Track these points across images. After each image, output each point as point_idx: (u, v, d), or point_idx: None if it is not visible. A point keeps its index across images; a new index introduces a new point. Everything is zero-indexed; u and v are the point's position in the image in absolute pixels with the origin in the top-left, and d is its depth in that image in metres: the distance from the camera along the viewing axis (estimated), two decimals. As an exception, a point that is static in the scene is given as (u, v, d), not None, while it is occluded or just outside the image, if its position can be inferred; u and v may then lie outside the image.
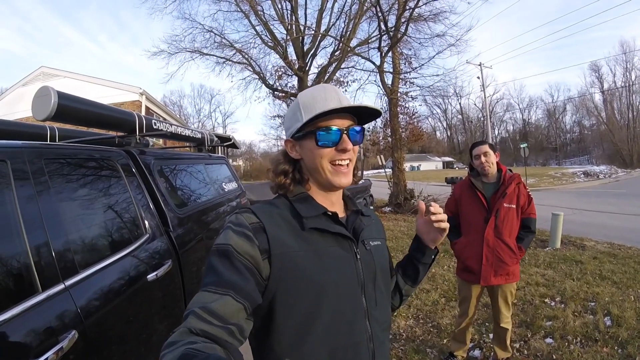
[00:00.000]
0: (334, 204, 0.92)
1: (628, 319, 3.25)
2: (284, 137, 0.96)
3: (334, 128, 0.84)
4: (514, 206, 2.49)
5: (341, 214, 0.94)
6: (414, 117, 13.66)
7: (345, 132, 0.85)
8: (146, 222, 2.12)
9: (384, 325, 0.91)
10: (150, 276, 1.88)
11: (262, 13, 13.66)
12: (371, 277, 0.89)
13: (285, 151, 0.94)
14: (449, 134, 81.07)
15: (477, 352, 2.94)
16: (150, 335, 1.83)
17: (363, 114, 0.89)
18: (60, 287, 1.30)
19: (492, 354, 2.82)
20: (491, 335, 3.03)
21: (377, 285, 0.90)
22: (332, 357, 0.78)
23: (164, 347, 0.61)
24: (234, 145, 5.00)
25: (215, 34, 14.03)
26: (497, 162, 2.56)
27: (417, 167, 60.36)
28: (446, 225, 0.96)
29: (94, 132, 3.40)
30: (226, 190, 3.95)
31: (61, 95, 1.84)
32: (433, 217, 0.95)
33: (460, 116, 76.54)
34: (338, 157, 0.85)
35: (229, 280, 0.72)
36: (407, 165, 15.20)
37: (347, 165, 0.87)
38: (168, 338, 0.63)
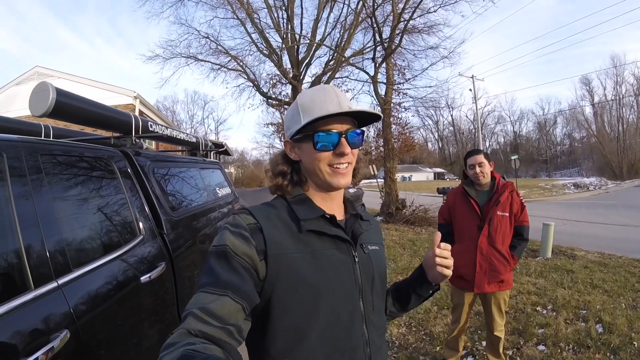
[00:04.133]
0: (333, 206, 0.92)
1: (620, 326, 3.28)
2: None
3: (333, 132, 0.84)
4: (507, 214, 2.49)
5: (340, 217, 0.93)
6: (406, 127, 13.80)
7: (343, 135, 0.84)
8: (140, 224, 2.09)
9: (381, 330, 0.90)
10: (144, 278, 1.85)
11: (258, 21, 13.76)
12: (369, 282, 0.88)
13: (285, 152, 0.93)
14: (440, 145, 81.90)
15: (470, 360, 2.94)
16: (141, 337, 1.79)
17: (362, 117, 0.89)
18: (53, 285, 1.27)
19: (485, 361, 2.82)
20: (484, 343, 3.03)
21: (374, 290, 0.89)
22: None
23: (162, 348, 0.61)
24: (227, 152, 4.97)
25: (211, 40, 14.10)
26: (491, 171, 2.58)
27: (409, 177, 60.71)
28: (448, 273, 0.89)
29: (87, 132, 3.38)
30: (219, 195, 3.93)
31: (59, 92, 1.82)
32: (437, 260, 0.88)
33: (451, 128, 77.53)
34: (336, 161, 0.85)
35: (226, 280, 0.72)
36: (398, 176, 15.27)
37: (346, 167, 0.86)
38: (167, 339, 0.63)
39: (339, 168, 0.85)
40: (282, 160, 0.93)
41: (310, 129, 0.84)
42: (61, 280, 1.31)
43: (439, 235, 0.93)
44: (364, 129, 0.94)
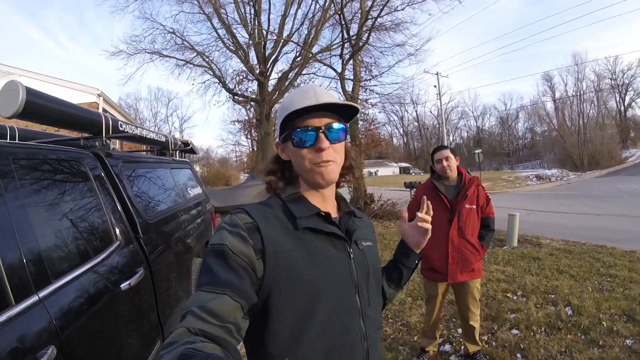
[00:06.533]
0: (327, 204, 0.92)
1: (588, 308, 3.48)
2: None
3: (309, 128, 0.84)
4: (474, 207, 2.62)
5: (334, 214, 0.94)
6: (373, 123, 13.98)
7: (321, 130, 0.84)
8: (116, 229, 2.01)
9: (377, 325, 0.92)
10: (124, 285, 1.79)
11: (225, 16, 13.43)
12: (364, 277, 0.89)
13: (278, 154, 0.94)
14: (405, 141, 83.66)
15: (447, 347, 3.05)
16: (125, 345, 1.74)
17: (345, 111, 0.88)
18: (34, 298, 1.20)
19: (462, 347, 2.94)
20: (459, 330, 3.15)
21: (370, 285, 0.91)
22: (327, 356, 0.78)
23: (162, 347, 0.61)
24: (192, 151, 4.84)
25: (176, 35, 13.63)
26: (457, 166, 2.68)
27: (375, 172, 61.65)
28: (428, 226, 1.02)
29: (52, 132, 3.19)
30: (191, 195, 3.85)
31: (30, 91, 1.69)
32: (419, 223, 1.02)
33: (416, 123, 79.29)
34: (318, 157, 0.84)
35: (225, 279, 0.72)
36: (365, 171, 15.44)
37: (329, 163, 0.85)
38: (167, 338, 0.62)
39: (320, 164, 0.85)
40: (274, 160, 0.94)
41: (290, 127, 0.85)
42: (42, 294, 1.23)
43: (404, 210, 1.10)
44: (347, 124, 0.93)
